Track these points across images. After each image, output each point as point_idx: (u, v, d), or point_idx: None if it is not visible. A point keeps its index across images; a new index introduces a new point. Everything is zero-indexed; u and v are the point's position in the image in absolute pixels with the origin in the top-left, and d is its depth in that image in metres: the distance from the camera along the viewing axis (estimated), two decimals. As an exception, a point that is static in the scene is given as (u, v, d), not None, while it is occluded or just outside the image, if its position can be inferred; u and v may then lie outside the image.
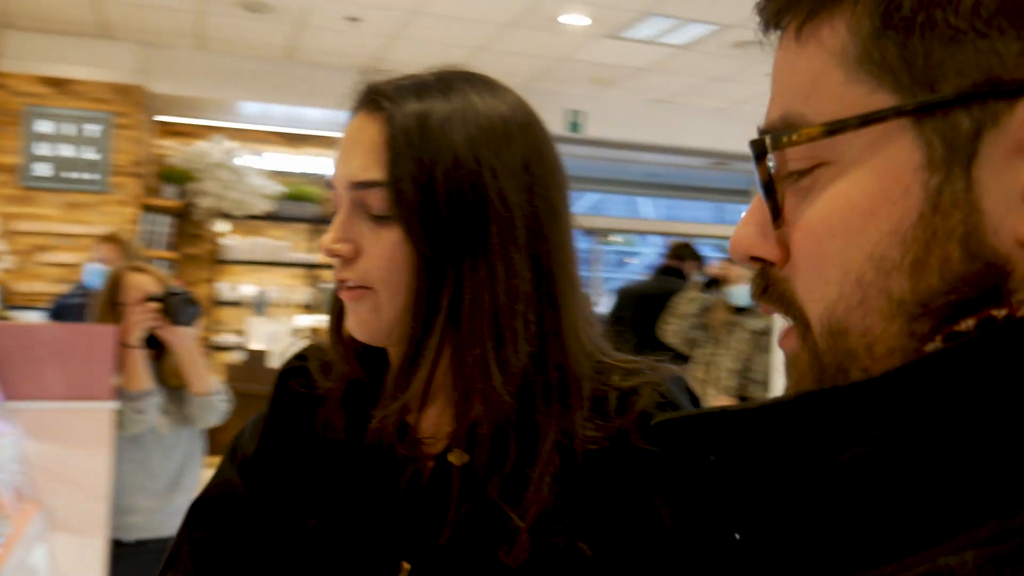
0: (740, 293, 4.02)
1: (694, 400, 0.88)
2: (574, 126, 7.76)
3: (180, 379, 2.65)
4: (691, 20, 5.82)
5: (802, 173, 0.43)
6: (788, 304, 0.46)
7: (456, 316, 0.79)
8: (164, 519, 2.60)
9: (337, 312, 0.89)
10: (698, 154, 8.60)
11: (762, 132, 0.45)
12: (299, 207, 8.06)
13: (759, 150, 0.44)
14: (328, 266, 6.13)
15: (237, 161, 7.33)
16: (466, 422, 0.81)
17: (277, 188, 7.62)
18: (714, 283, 4.56)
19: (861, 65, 0.40)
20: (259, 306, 6.78)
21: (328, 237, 0.82)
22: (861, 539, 0.38)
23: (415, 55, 6.90)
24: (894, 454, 0.37)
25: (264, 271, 8.08)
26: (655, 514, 0.78)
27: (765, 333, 3.96)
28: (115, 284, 2.63)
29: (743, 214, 0.48)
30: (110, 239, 4.40)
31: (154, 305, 2.52)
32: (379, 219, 0.80)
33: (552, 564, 0.78)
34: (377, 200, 0.79)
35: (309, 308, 7.34)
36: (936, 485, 0.36)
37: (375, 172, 0.79)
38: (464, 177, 0.78)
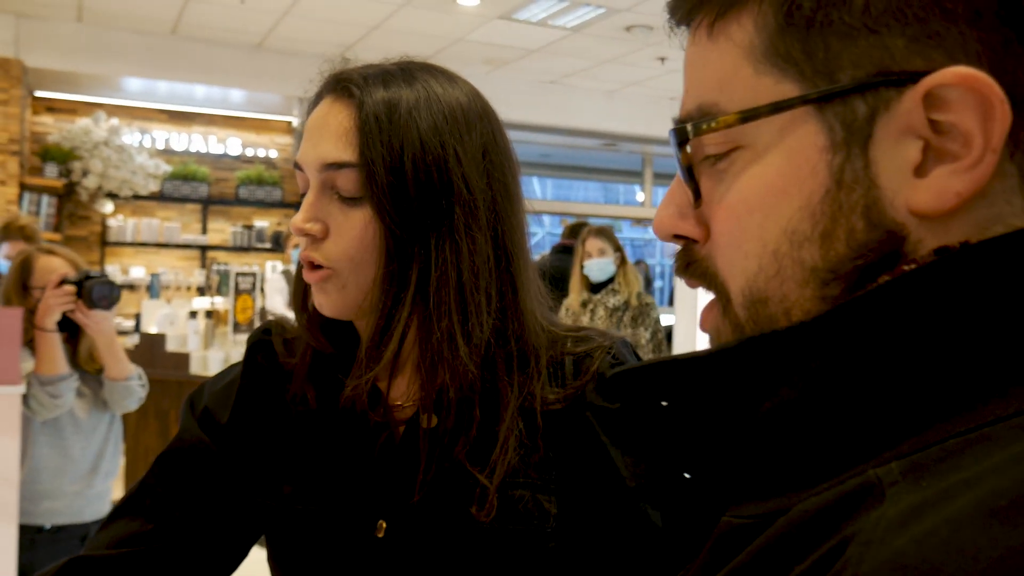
0: (598, 267, 4.04)
1: (639, 360, 0.94)
2: (468, 106, 7.82)
3: (95, 363, 2.60)
4: (580, 3, 5.96)
5: (719, 157, 0.47)
6: (710, 279, 0.49)
7: (424, 291, 0.84)
8: (84, 504, 2.56)
9: (301, 287, 0.93)
10: (589, 135, 8.78)
11: (680, 121, 0.48)
12: (188, 187, 7.88)
13: (681, 137, 0.47)
14: (218, 248, 6.02)
15: (122, 139, 7.11)
16: (433, 389, 0.86)
17: (164, 167, 7.43)
18: (566, 250, 4.53)
19: (768, 58, 0.44)
20: (153, 289, 6.63)
21: (299, 217, 0.85)
22: (799, 465, 0.41)
23: (305, 33, 6.83)
24: (825, 387, 0.41)
25: (154, 253, 7.88)
26: (611, 466, 0.85)
27: (619, 310, 4.01)
28: (25, 267, 2.56)
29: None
30: (9, 232, 4.07)
31: (70, 288, 2.45)
32: (348, 200, 0.84)
33: (519, 519, 0.85)
34: (347, 181, 0.84)
35: (204, 290, 7.21)
36: (860, 411, 0.40)
37: (347, 154, 0.84)
38: (431, 161, 0.83)
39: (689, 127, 0.47)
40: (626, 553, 0.86)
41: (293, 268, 4.92)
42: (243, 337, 5.14)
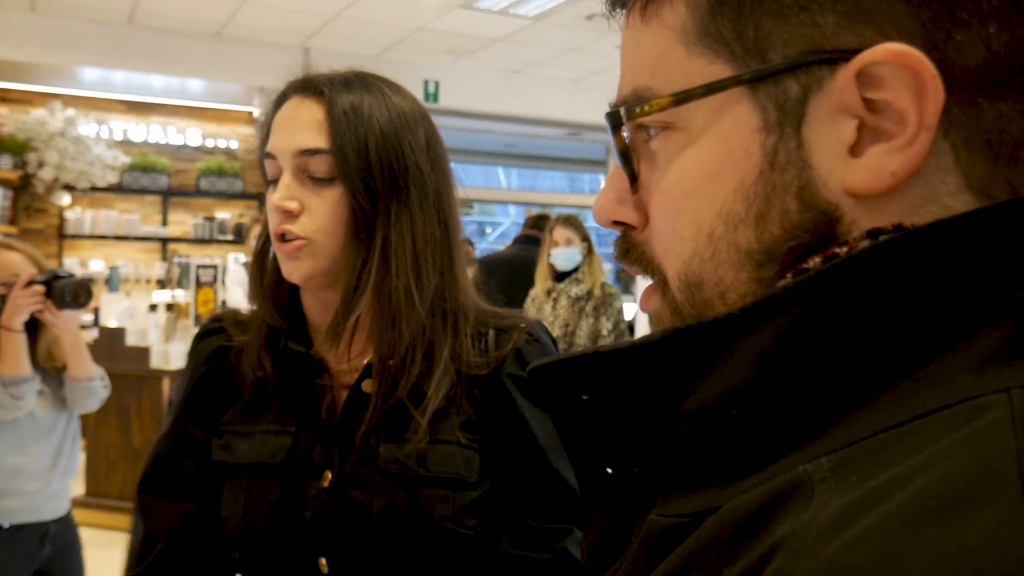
0: (564, 256, 4.05)
1: (553, 342, 1.12)
2: (430, 96, 7.81)
3: (55, 361, 2.56)
4: (542, -7, 5.96)
5: (654, 141, 0.46)
6: (648, 263, 0.49)
7: (385, 255, 1.00)
8: (43, 502, 2.52)
9: (259, 268, 1.10)
10: (552, 124, 8.79)
11: (615, 105, 0.48)
12: (148, 178, 7.78)
13: (615, 122, 0.47)
14: (179, 240, 5.99)
15: (79, 130, 6.99)
16: (385, 350, 1.02)
17: (123, 159, 7.33)
18: (528, 240, 4.55)
19: (700, 39, 0.43)
20: (112, 282, 6.54)
21: (277, 196, 1.00)
22: (726, 459, 0.40)
23: (265, 22, 6.76)
24: (751, 379, 0.40)
25: (113, 246, 7.77)
26: (527, 429, 1.04)
27: (581, 299, 4.03)
28: None
29: (602, 183, 0.50)
30: None
31: (39, 288, 2.41)
32: (320, 181, 1.00)
33: (447, 468, 1.01)
34: (320, 165, 1.00)
35: (164, 283, 7.13)
36: (788, 403, 0.39)
37: (319, 142, 0.99)
38: (390, 148, 1.01)
39: (623, 111, 0.46)
40: (540, 509, 1.02)
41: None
42: (205, 330, 5.10)
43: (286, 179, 1.00)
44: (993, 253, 0.37)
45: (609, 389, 0.45)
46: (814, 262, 0.41)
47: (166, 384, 4.91)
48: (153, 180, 7.80)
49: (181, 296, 5.29)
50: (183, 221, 8.10)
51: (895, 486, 0.32)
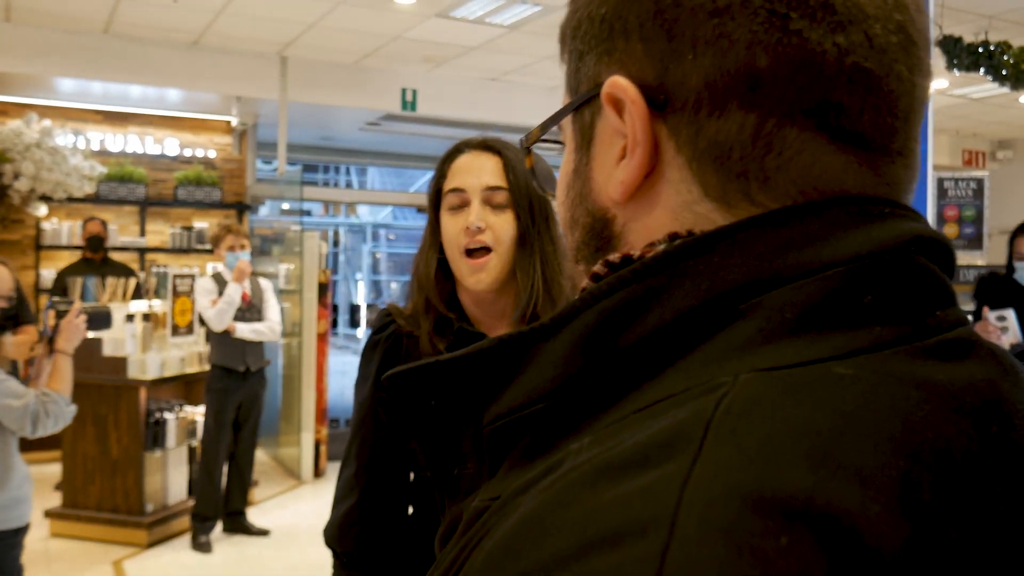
0: None
1: None
2: (408, 104, 7.84)
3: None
4: (516, 1, 6.01)
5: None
6: None
7: (544, 259, 1.40)
8: None
9: (436, 274, 1.43)
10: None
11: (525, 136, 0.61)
12: (125, 188, 7.76)
13: (523, 147, 0.61)
14: (157, 250, 5.98)
15: (56, 141, 6.97)
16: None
17: (100, 169, 7.30)
18: None
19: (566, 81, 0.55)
20: (88, 293, 6.51)
21: (472, 218, 1.36)
22: (527, 448, 0.46)
23: (241, 31, 6.77)
24: (550, 379, 0.45)
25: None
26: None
27: None
28: None
29: None
30: None
31: (84, 317, 2.72)
32: (498, 207, 1.39)
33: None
34: (499, 198, 1.39)
35: (141, 293, 7.10)
36: (574, 399, 0.44)
37: (500, 182, 1.40)
38: (533, 190, 1.40)
39: (521, 139, 0.60)
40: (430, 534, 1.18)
41: (224, 272, 4.91)
42: (181, 340, 5.09)
43: (475, 206, 1.38)
44: (741, 262, 0.43)
45: (448, 396, 0.50)
46: (599, 268, 0.49)
47: (143, 394, 4.90)
48: (131, 190, 7.78)
49: (158, 306, 5.28)
50: (161, 231, 8.08)
51: (604, 452, 0.38)
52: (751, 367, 0.39)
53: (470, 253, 1.36)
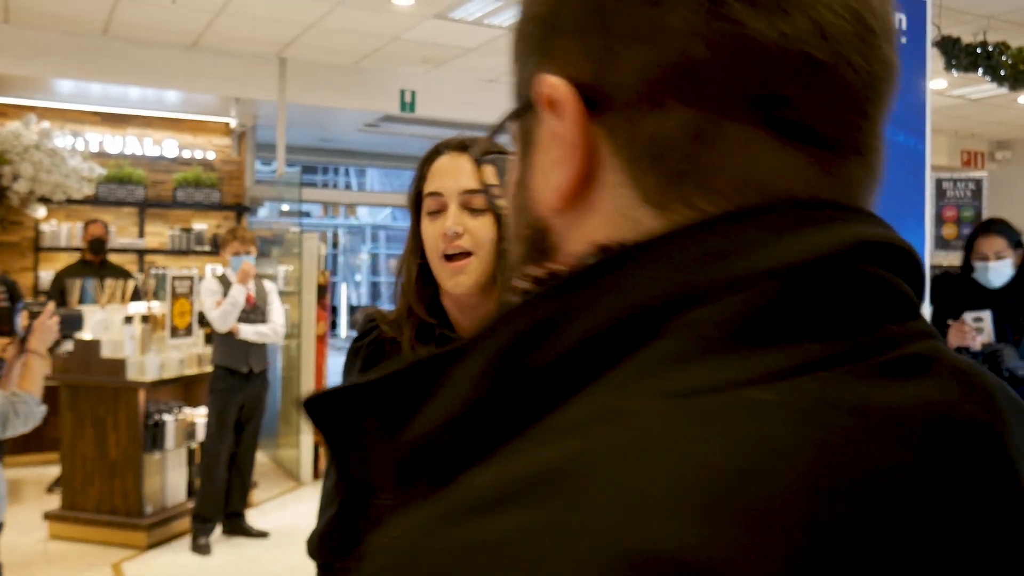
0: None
1: None
2: (406, 105, 7.84)
3: None
4: (515, 2, 6.00)
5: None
6: None
7: None
8: None
9: (417, 279, 1.39)
10: (530, 131, 8.84)
11: None
12: (124, 190, 7.76)
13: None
14: (156, 251, 5.99)
15: (54, 142, 6.97)
16: None
17: (99, 170, 7.31)
18: None
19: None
20: (87, 294, 6.51)
21: (450, 223, 1.32)
22: (433, 477, 0.40)
23: (240, 31, 6.77)
24: (460, 404, 0.41)
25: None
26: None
27: None
28: None
29: None
30: None
31: (56, 319, 2.69)
32: (476, 211, 1.34)
33: None
34: (477, 201, 1.34)
35: (140, 295, 7.10)
36: (482, 425, 0.40)
37: (476, 184, 1.33)
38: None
39: (470, 151, 0.58)
40: None
41: (230, 273, 4.91)
42: (180, 342, 5.09)
43: (453, 210, 1.34)
44: (665, 276, 0.39)
45: (364, 421, 0.46)
46: (526, 283, 0.45)
47: (142, 396, 4.90)
48: (129, 192, 7.78)
49: (157, 307, 5.28)
50: (160, 232, 8.08)
51: (475, 480, 0.34)
52: (657, 392, 0.35)
53: (450, 258, 1.33)
